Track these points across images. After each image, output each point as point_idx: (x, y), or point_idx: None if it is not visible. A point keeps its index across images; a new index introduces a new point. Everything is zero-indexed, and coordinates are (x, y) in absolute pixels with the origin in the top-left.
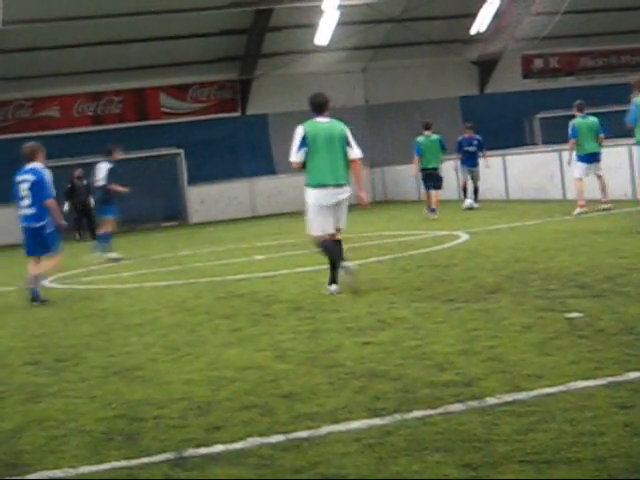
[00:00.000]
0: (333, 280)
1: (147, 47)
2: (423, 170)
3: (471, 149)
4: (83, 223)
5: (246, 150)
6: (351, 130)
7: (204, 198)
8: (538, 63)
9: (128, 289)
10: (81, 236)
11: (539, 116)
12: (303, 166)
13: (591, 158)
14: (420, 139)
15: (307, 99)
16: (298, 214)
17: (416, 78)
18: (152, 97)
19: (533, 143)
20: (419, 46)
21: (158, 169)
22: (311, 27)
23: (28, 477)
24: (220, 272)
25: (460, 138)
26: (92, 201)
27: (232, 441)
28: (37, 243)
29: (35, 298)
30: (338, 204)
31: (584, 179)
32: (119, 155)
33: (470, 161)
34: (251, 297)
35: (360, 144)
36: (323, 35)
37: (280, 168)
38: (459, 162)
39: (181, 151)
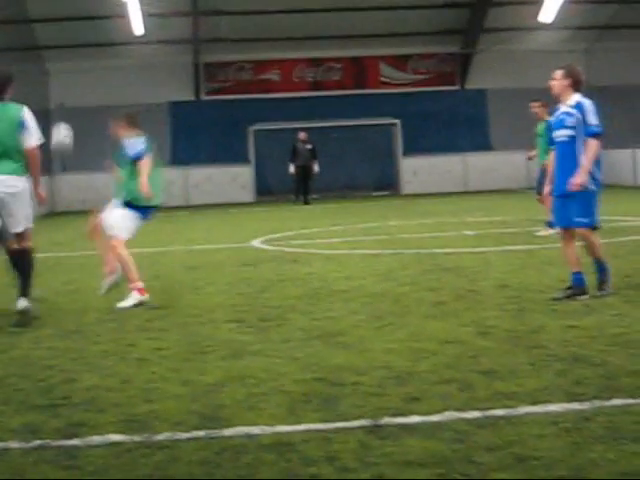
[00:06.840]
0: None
1: (369, 16)
2: None
3: None
4: (301, 186)
5: (463, 124)
6: None
7: (417, 170)
8: None
9: (336, 255)
10: (297, 198)
11: None
12: None
13: None
14: None
15: (526, 76)
16: (512, 192)
17: None
18: (372, 66)
19: None
20: None
21: (373, 138)
22: (535, 4)
23: (226, 431)
24: (428, 245)
25: None
26: (316, 166)
27: (429, 413)
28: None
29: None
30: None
31: None
32: None
33: None
34: (457, 272)
35: None
36: (548, 12)
37: (497, 144)
38: None
39: (397, 121)
